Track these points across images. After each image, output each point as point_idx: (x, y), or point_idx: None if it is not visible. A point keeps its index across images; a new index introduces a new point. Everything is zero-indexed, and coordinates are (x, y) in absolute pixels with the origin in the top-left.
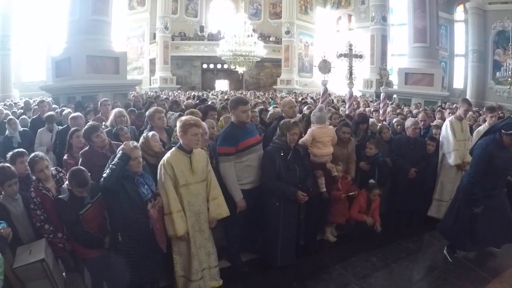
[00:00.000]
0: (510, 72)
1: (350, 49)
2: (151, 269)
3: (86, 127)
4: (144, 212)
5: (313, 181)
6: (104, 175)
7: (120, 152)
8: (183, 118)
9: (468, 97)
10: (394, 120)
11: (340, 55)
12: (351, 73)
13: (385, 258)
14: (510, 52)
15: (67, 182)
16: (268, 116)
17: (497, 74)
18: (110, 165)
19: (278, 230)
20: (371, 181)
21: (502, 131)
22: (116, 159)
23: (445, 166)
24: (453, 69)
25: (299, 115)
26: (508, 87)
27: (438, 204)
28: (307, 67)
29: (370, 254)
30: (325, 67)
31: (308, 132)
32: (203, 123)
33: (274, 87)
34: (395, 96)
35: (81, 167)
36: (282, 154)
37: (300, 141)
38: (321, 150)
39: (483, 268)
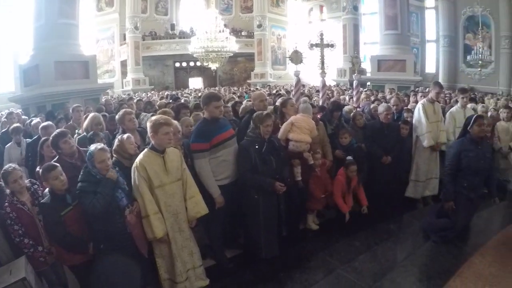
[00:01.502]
0: (480, 55)
1: (322, 39)
2: (138, 275)
3: (53, 134)
4: (122, 218)
5: (290, 170)
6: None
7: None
8: (153, 118)
9: (440, 80)
10: (372, 106)
11: (312, 45)
12: (323, 63)
13: (367, 241)
14: (480, 36)
15: (47, 189)
16: (240, 110)
17: (468, 57)
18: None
19: (259, 223)
20: (349, 157)
21: (468, 128)
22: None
23: (419, 148)
24: (425, 55)
25: (271, 107)
26: (479, 69)
27: (415, 185)
28: (280, 59)
29: (352, 239)
30: (296, 57)
31: (289, 119)
32: (174, 122)
33: (248, 81)
34: (369, 83)
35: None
36: (256, 146)
37: (281, 130)
38: (300, 135)
39: (464, 243)
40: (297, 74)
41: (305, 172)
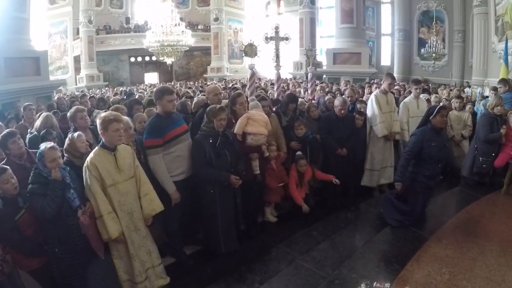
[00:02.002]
0: (434, 48)
1: (277, 32)
2: (97, 278)
3: (2, 133)
4: (76, 220)
5: (247, 164)
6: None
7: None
8: (103, 114)
9: (395, 73)
10: (326, 98)
11: (267, 38)
12: (278, 56)
13: (325, 231)
14: (433, 30)
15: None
16: (193, 105)
17: (422, 50)
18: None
19: (216, 217)
20: (298, 153)
21: (430, 118)
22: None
23: (374, 137)
24: (381, 48)
25: (225, 101)
26: (433, 62)
27: (370, 174)
28: (237, 53)
29: (311, 229)
30: (251, 51)
31: (244, 114)
32: (125, 118)
33: (204, 75)
34: (324, 76)
35: None
36: (211, 141)
37: (236, 125)
38: (258, 128)
39: (420, 228)
40: (251, 67)
41: (261, 165)
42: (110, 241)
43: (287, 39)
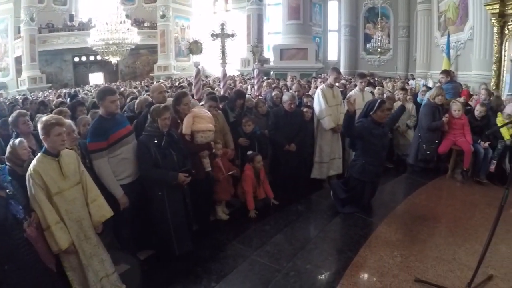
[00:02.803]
0: (379, 43)
1: (222, 29)
2: None
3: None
4: (22, 232)
5: (197, 162)
6: None
7: None
8: (43, 118)
9: (342, 67)
10: (273, 93)
11: (213, 35)
12: (223, 53)
13: (277, 224)
14: (379, 26)
15: None
16: (136, 106)
17: (368, 45)
18: None
19: (167, 219)
20: (249, 152)
21: (370, 114)
22: None
23: (321, 130)
24: (327, 43)
25: (170, 99)
26: (378, 56)
27: (320, 166)
28: (184, 51)
29: (263, 224)
30: (196, 48)
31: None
32: (67, 121)
33: (151, 74)
34: (272, 72)
35: None
36: (156, 141)
37: (184, 125)
38: (206, 125)
39: (370, 215)
40: (197, 65)
41: (210, 162)
42: (60, 252)
43: (233, 35)
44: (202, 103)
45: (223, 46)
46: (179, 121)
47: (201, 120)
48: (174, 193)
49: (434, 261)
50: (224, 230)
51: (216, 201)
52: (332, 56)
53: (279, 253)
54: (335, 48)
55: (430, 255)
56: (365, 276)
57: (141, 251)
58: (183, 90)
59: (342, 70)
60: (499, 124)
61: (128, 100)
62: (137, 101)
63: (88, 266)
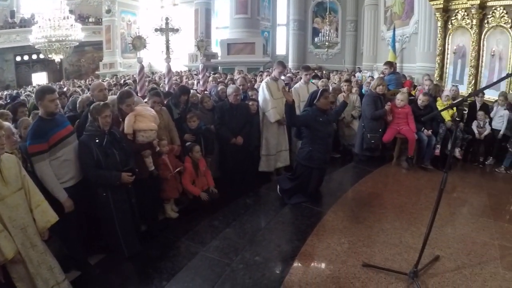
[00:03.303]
0: (327, 37)
1: (167, 23)
2: None
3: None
4: None
5: (140, 162)
6: None
7: None
8: None
9: (290, 61)
10: (219, 88)
11: (156, 30)
12: (168, 48)
13: (226, 219)
14: (327, 20)
15: None
16: (78, 105)
17: (316, 39)
18: None
19: (113, 220)
20: (187, 144)
21: (314, 102)
22: None
23: (267, 123)
24: (276, 38)
25: (113, 97)
26: (326, 50)
27: (267, 159)
28: (130, 47)
29: (211, 219)
30: (140, 43)
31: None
32: (5, 123)
33: (97, 72)
34: (219, 67)
35: None
36: (97, 140)
37: (125, 124)
38: (148, 124)
39: (317, 204)
40: (140, 61)
41: (154, 160)
42: (6, 262)
43: (177, 30)
44: (146, 100)
45: (167, 41)
46: (121, 119)
47: (143, 119)
48: (119, 194)
49: (381, 245)
50: (173, 228)
51: (164, 199)
52: (280, 50)
53: (228, 247)
54: (283, 42)
55: (377, 240)
56: (314, 264)
57: (91, 255)
58: (127, 89)
59: (290, 64)
60: (439, 108)
61: None
62: (79, 100)
63: (37, 275)
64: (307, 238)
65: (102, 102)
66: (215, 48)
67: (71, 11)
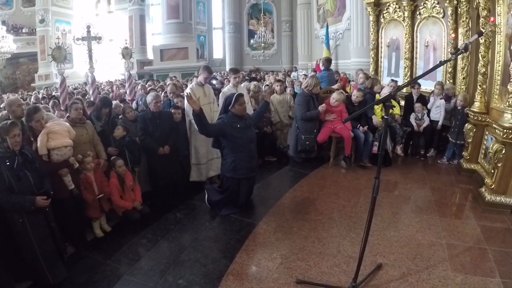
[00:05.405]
0: (262, 39)
1: (89, 32)
2: None
3: None
4: None
5: (59, 182)
6: None
7: None
8: None
9: (227, 64)
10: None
11: (78, 39)
12: (90, 57)
13: (155, 236)
14: (262, 22)
15: None
16: None
17: (252, 41)
18: None
19: (33, 248)
20: (112, 157)
21: (229, 109)
22: None
23: (195, 131)
24: (212, 41)
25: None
26: (262, 51)
27: (198, 168)
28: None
29: (141, 237)
30: (59, 55)
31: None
32: None
33: (32, 85)
34: (154, 74)
35: None
36: (7, 163)
37: (38, 145)
38: (62, 140)
39: (248, 215)
40: (61, 73)
41: (74, 178)
42: None
43: (100, 38)
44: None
45: (89, 50)
46: (32, 139)
47: (56, 135)
48: (36, 219)
49: (317, 257)
50: (102, 248)
51: (91, 218)
52: (217, 53)
53: (152, 269)
54: (220, 46)
55: (313, 252)
56: (242, 285)
57: (20, 282)
58: (34, 105)
59: (228, 67)
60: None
61: None
62: None
63: None
64: (236, 255)
65: (9, 121)
66: (151, 55)
67: (3, 22)
